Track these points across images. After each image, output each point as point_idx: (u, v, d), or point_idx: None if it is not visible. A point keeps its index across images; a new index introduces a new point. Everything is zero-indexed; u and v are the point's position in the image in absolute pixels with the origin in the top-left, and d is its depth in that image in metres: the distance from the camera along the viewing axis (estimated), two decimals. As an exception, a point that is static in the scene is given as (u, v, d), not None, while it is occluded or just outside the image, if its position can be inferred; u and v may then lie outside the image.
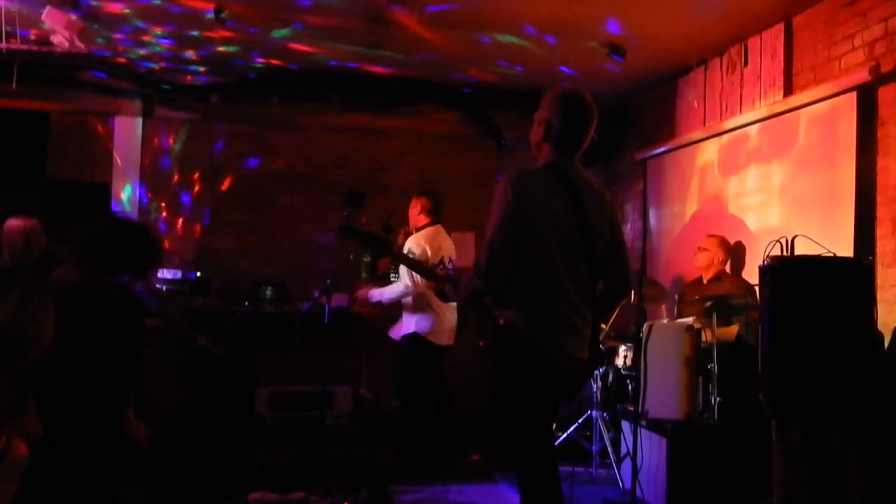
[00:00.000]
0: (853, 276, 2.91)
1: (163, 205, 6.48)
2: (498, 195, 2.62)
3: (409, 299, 4.79)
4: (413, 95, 6.70)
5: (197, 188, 6.55)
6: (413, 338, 4.77)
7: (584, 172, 2.79)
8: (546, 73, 6.12)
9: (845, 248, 4.17)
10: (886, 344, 3.89)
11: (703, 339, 4.36)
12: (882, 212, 4.18)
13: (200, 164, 6.55)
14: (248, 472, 4.36)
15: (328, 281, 4.78)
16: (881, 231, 4.18)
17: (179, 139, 6.53)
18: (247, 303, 6.10)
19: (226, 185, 6.61)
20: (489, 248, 2.60)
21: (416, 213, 4.94)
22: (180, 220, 6.49)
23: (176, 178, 6.52)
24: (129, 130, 6.41)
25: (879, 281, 4.06)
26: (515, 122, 6.58)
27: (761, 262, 3.28)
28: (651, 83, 6.45)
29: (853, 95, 4.28)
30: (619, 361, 4.87)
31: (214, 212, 6.55)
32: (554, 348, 2.59)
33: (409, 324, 4.83)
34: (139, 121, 6.42)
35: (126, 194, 6.38)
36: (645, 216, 6.56)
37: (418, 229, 4.89)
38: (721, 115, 5.59)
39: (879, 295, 4.03)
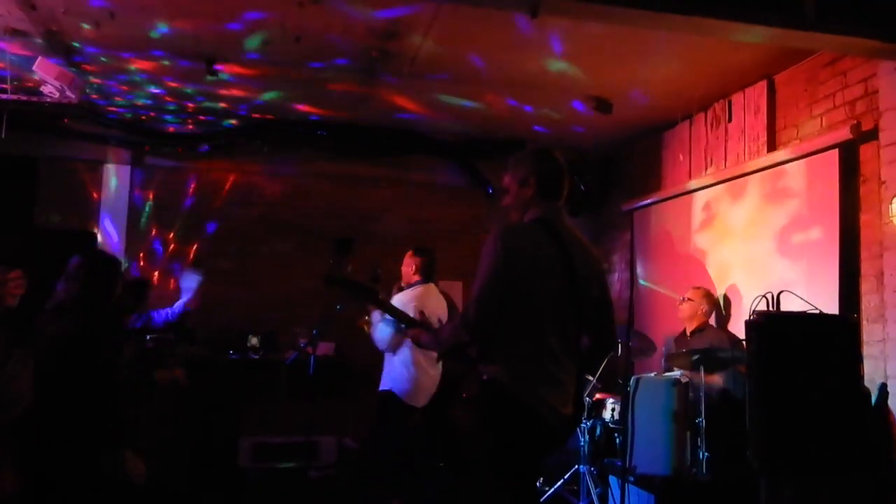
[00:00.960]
0: (839, 332, 2.92)
1: (141, 255, 6.46)
2: (487, 249, 2.63)
3: (389, 354, 4.64)
4: (402, 146, 6.77)
5: (184, 236, 6.54)
6: (389, 396, 4.58)
7: (572, 226, 2.81)
8: (530, 125, 6.25)
9: (831, 304, 4.19)
10: (874, 400, 3.89)
11: (691, 392, 4.33)
12: (866, 267, 4.21)
13: (188, 211, 6.56)
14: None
15: (314, 331, 4.74)
16: (865, 287, 4.21)
17: (166, 187, 6.54)
18: (231, 351, 6.04)
19: (213, 232, 6.60)
20: (478, 300, 2.60)
21: (409, 270, 4.84)
22: (157, 272, 6.47)
23: (163, 226, 6.51)
24: (116, 178, 6.42)
25: (865, 336, 4.07)
26: (503, 172, 6.62)
27: (747, 317, 3.29)
28: (638, 136, 6.55)
29: (835, 153, 4.35)
30: (607, 414, 4.83)
31: (201, 259, 6.53)
32: (538, 404, 2.57)
33: (386, 380, 4.65)
34: (127, 169, 6.44)
35: (112, 242, 6.36)
36: (632, 267, 6.58)
37: (410, 286, 4.87)
38: (706, 169, 5.67)
39: (865, 350, 4.05)
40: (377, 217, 6.87)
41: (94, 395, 2.81)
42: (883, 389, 3.85)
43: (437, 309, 4.72)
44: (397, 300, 4.63)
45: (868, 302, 4.17)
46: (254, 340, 6.26)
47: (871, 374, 3.97)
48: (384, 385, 4.61)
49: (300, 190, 6.82)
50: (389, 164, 6.90)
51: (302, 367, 4.77)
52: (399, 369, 4.53)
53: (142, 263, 6.45)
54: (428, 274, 4.82)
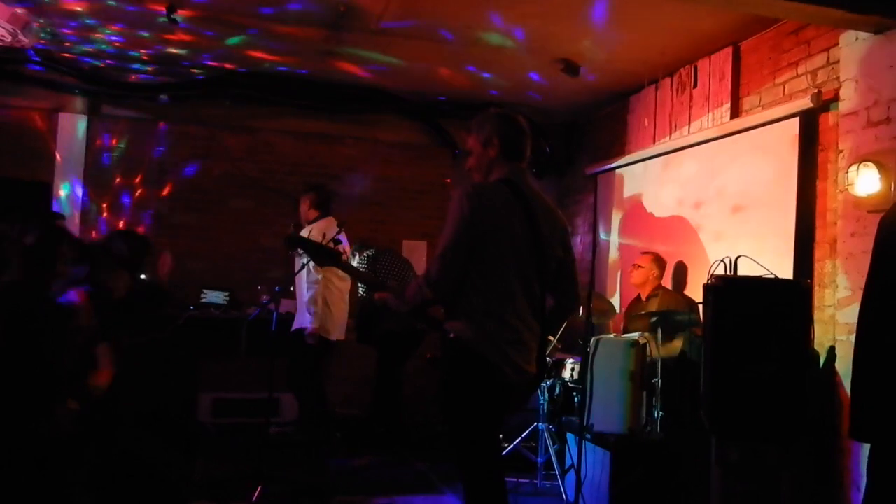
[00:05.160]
0: (793, 297, 3.00)
1: (104, 205, 6.32)
2: (453, 207, 2.63)
3: (310, 292, 4.95)
4: (368, 104, 6.68)
5: (141, 190, 6.41)
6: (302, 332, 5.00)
7: (537, 187, 2.82)
8: (497, 87, 6.21)
9: (786, 269, 4.30)
10: (822, 362, 4.02)
11: (648, 354, 4.43)
12: (820, 235, 4.32)
13: (146, 164, 6.41)
14: (188, 481, 4.27)
15: (277, 288, 4.72)
16: (819, 253, 4.32)
17: (125, 138, 6.38)
18: (192, 307, 5.99)
19: (173, 187, 6.47)
20: (441, 258, 2.60)
21: (306, 208, 5.21)
22: (121, 222, 6.34)
23: (120, 178, 6.36)
24: (72, 128, 6.23)
25: (816, 301, 4.19)
26: (468, 131, 6.60)
27: (706, 281, 3.36)
28: (604, 100, 6.55)
29: (796, 121, 4.42)
30: (567, 374, 4.92)
31: (159, 214, 6.41)
32: (503, 363, 2.61)
33: (303, 319, 5.02)
34: (83, 118, 6.25)
35: (66, 193, 6.20)
36: (595, 230, 6.65)
37: (310, 222, 5.13)
38: (670, 134, 5.72)
39: (816, 315, 4.17)
40: (341, 175, 6.80)
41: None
42: (831, 353, 3.99)
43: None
44: (309, 233, 4.93)
45: (821, 268, 4.29)
46: (215, 296, 6.21)
47: (821, 338, 4.10)
48: (299, 324, 5.04)
49: (263, 145, 6.71)
50: (354, 122, 6.81)
51: (264, 325, 4.74)
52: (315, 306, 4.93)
53: (105, 215, 6.31)
54: (325, 207, 5.18)
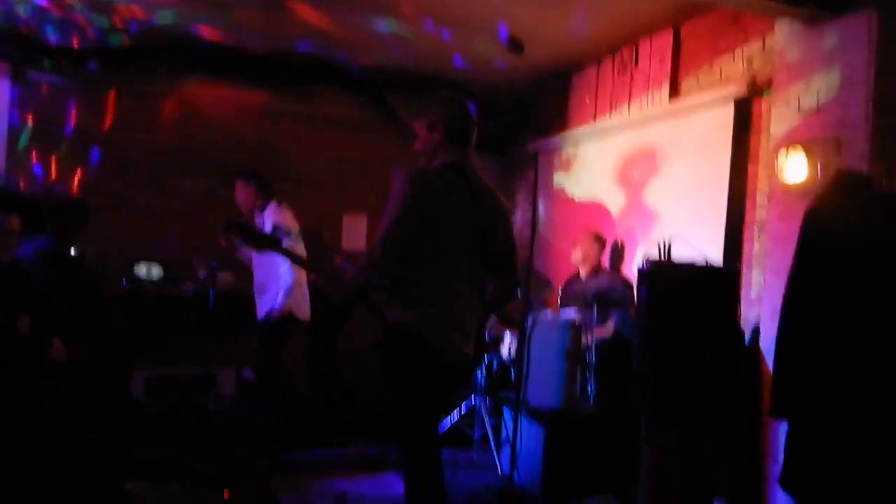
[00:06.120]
0: (722, 282, 3.10)
1: (25, 175, 6.06)
2: (396, 191, 2.64)
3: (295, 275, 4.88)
4: (312, 77, 6.54)
5: (67, 159, 6.16)
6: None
7: (480, 172, 2.85)
8: (443, 62, 6.16)
9: (718, 248, 4.45)
10: (748, 340, 4.18)
11: (584, 333, 4.52)
12: (750, 216, 4.47)
13: (74, 134, 6.16)
14: (123, 461, 4.21)
15: (213, 263, 4.64)
16: (748, 234, 4.48)
17: (51, 106, 6.10)
18: (125, 280, 5.83)
19: (101, 157, 6.24)
20: (384, 242, 2.61)
21: (250, 195, 5.04)
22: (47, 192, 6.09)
23: (45, 147, 6.10)
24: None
25: (743, 281, 4.35)
26: (415, 108, 6.55)
27: (640, 264, 3.44)
28: (547, 78, 6.58)
29: (731, 105, 4.53)
30: (504, 350, 5.00)
31: (87, 185, 6.18)
32: (443, 346, 2.64)
33: (274, 301, 4.93)
34: (6, 83, 5.95)
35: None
36: (535, 207, 6.72)
37: (260, 209, 5.01)
38: (610, 113, 5.79)
39: (743, 293, 4.34)
40: (284, 150, 6.66)
41: None
42: (756, 332, 4.15)
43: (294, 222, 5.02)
44: (279, 221, 4.86)
45: (749, 248, 4.44)
46: (148, 270, 6.05)
47: (747, 316, 4.27)
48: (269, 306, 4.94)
49: (199, 118, 6.51)
50: (298, 97, 6.67)
51: (201, 300, 4.67)
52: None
53: (22, 187, 6.05)
54: (269, 191, 5.08)
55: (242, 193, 5.07)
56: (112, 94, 6.25)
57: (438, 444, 2.84)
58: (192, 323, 5.41)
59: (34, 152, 6.06)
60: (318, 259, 4.95)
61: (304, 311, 5.05)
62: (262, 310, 4.97)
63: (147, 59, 6.10)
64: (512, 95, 7.17)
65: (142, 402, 5.59)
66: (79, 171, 6.17)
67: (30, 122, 6.06)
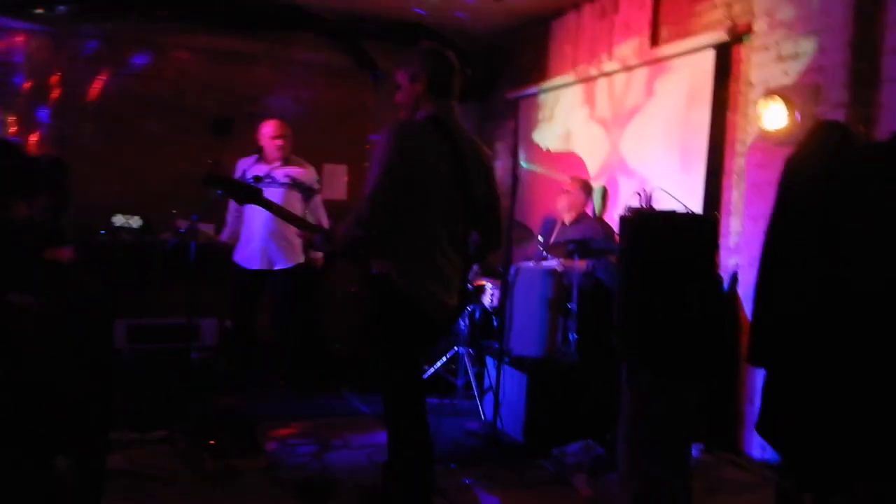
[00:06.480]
0: (702, 230, 3.13)
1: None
2: (380, 145, 2.63)
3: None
4: (284, 21, 6.39)
5: (40, 109, 6.01)
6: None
7: (463, 125, 2.83)
8: (416, 6, 6.06)
9: (697, 196, 4.49)
10: (726, 287, 4.26)
11: (565, 280, 4.57)
12: (729, 164, 4.50)
13: (45, 82, 6.00)
14: (106, 410, 4.22)
15: (194, 216, 4.59)
16: (727, 182, 4.52)
17: (21, 53, 5.92)
18: (103, 232, 5.77)
19: (76, 107, 6.10)
20: (372, 198, 2.60)
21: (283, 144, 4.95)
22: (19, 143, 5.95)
23: (16, 96, 5.94)
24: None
25: (722, 228, 4.41)
26: (391, 54, 6.46)
27: (622, 213, 3.46)
28: (526, 23, 6.50)
29: (711, 52, 4.52)
30: (486, 300, 5.05)
31: (61, 136, 6.05)
32: (426, 300, 2.67)
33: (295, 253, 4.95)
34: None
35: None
36: (515, 156, 6.68)
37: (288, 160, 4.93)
38: (591, 61, 5.75)
39: (722, 241, 4.40)
40: (257, 97, 6.54)
41: None
42: (734, 279, 4.22)
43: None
44: (312, 177, 4.92)
45: (728, 196, 4.49)
46: (125, 221, 5.98)
47: (726, 264, 4.34)
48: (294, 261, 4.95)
49: (172, 64, 6.36)
50: (270, 41, 6.52)
51: (182, 251, 4.64)
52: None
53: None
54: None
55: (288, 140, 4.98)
56: (80, 39, 6.07)
57: (422, 392, 2.89)
58: (174, 274, 5.38)
59: (11, 100, 5.90)
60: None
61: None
62: (289, 263, 4.92)
63: (118, 3, 5.91)
64: (490, 41, 7.07)
65: (122, 350, 5.58)
66: (54, 120, 6.02)
67: (2, 70, 5.88)
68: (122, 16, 6.02)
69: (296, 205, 4.78)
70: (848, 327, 2.30)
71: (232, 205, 4.98)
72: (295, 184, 4.87)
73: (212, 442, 3.87)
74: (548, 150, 6.35)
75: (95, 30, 6.05)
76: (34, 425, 3.64)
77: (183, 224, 5.43)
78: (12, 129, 5.94)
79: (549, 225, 5.28)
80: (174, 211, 5.88)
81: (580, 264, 4.70)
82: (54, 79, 6.03)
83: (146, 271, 5.79)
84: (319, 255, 5.03)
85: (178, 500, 3.37)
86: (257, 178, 4.34)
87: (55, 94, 6.05)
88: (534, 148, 6.57)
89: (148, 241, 5.80)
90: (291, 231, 4.79)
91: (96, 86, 6.14)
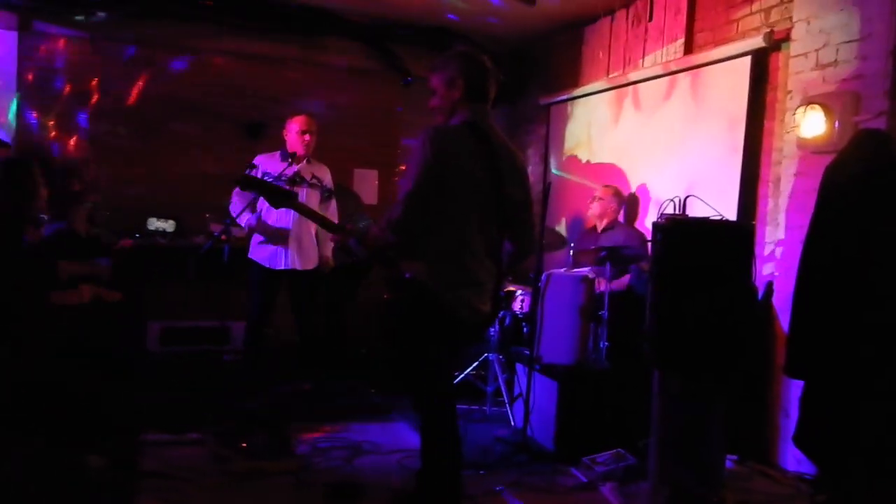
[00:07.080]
0: (737, 239, 3.10)
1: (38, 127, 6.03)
2: (416, 150, 2.64)
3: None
4: (314, 25, 6.43)
5: (76, 112, 6.12)
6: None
7: (498, 130, 2.84)
8: (456, 10, 6.06)
9: (732, 205, 4.43)
10: (761, 295, 4.20)
11: (597, 287, 4.55)
12: (765, 173, 4.44)
13: (83, 85, 6.11)
14: (139, 412, 4.27)
15: (227, 220, 4.64)
16: (763, 191, 4.46)
17: (59, 57, 6.04)
18: (137, 235, 5.86)
19: (110, 110, 6.20)
20: (405, 202, 2.61)
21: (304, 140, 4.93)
22: (56, 147, 6.08)
23: (54, 100, 6.05)
24: (2, 45, 5.86)
25: (758, 237, 4.35)
26: (421, 58, 6.49)
27: (656, 220, 3.44)
28: (559, 29, 6.47)
29: (748, 59, 4.46)
30: (517, 306, 5.03)
31: (95, 138, 6.16)
32: (459, 305, 2.67)
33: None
34: (13, 35, 5.88)
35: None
36: (546, 162, 6.68)
37: (309, 160, 4.93)
38: (624, 68, 5.71)
39: (757, 250, 4.34)
40: (287, 100, 6.58)
41: None
42: (769, 288, 4.16)
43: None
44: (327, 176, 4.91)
45: (765, 205, 4.43)
46: (160, 224, 6.08)
47: (760, 273, 4.28)
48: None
49: (205, 68, 6.44)
50: (302, 45, 6.57)
51: (216, 254, 4.69)
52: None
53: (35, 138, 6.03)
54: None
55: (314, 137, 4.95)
56: (118, 44, 6.18)
57: (453, 398, 2.89)
58: (206, 277, 5.44)
59: (48, 104, 6.02)
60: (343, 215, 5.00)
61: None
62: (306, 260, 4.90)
63: (152, 7, 5.99)
64: (521, 46, 7.06)
65: (154, 353, 5.65)
66: (89, 123, 6.13)
67: (40, 75, 6.00)
68: (158, 22, 6.11)
69: (314, 206, 4.76)
70: (888, 338, 2.26)
71: (240, 195, 4.82)
72: (320, 185, 4.90)
73: (244, 444, 3.91)
74: (578, 157, 6.32)
75: (133, 35, 6.15)
76: (67, 424, 3.71)
77: (216, 227, 5.49)
78: (52, 134, 6.06)
79: (580, 232, 5.26)
80: (207, 215, 5.96)
81: (623, 280, 4.67)
82: (93, 83, 6.15)
83: (179, 274, 5.87)
84: (330, 258, 5.03)
85: (208, 501, 3.40)
86: (290, 181, 4.36)
87: (94, 98, 6.16)
88: (564, 154, 6.55)
89: (181, 245, 5.88)
90: (312, 233, 4.85)
91: (133, 90, 6.24)
